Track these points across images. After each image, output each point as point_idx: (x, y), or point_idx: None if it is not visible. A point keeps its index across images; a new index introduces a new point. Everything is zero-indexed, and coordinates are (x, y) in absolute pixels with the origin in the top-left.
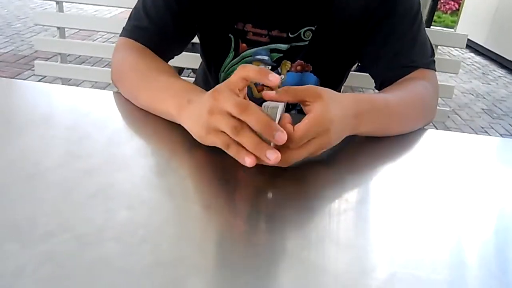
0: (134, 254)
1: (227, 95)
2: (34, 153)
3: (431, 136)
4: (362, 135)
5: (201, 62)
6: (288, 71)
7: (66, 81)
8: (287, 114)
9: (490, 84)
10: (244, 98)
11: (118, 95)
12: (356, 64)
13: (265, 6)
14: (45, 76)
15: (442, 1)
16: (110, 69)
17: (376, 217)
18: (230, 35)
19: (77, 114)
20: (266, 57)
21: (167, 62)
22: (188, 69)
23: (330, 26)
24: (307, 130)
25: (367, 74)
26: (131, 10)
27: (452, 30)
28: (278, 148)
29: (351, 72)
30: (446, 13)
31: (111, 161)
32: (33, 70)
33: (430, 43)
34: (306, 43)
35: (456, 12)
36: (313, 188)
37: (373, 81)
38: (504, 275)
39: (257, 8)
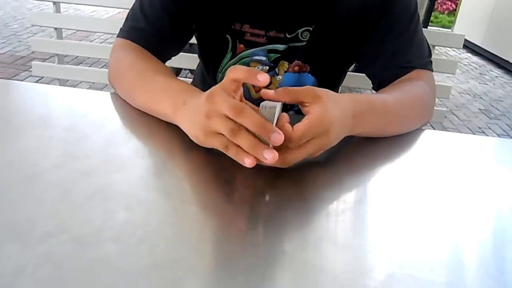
0: (132, 254)
1: (223, 98)
2: (32, 154)
3: (428, 137)
4: (360, 135)
5: (199, 63)
6: (285, 71)
7: (63, 82)
8: (285, 114)
9: (487, 84)
10: (240, 99)
11: (116, 96)
12: (354, 65)
13: (262, 7)
14: (42, 77)
15: (439, 1)
16: (107, 70)
17: (374, 218)
18: (227, 35)
19: (75, 115)
20: (263, 58)
21: (164, 63)
22: (185, 69)
23: (328, 26)
24: (306, 130)
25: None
26: (128, 11)
27: (449, 30)
28: (277, 149)
29: (348, 73)
30: (443, 13)
31: (108, 162)
32: (31, 71)
33: (427, 44)
34: (304, 43)
35: (453, 13)
36: (312, 189)
37: (370, 82)
38: (502, 275)
39: (255, 8)
